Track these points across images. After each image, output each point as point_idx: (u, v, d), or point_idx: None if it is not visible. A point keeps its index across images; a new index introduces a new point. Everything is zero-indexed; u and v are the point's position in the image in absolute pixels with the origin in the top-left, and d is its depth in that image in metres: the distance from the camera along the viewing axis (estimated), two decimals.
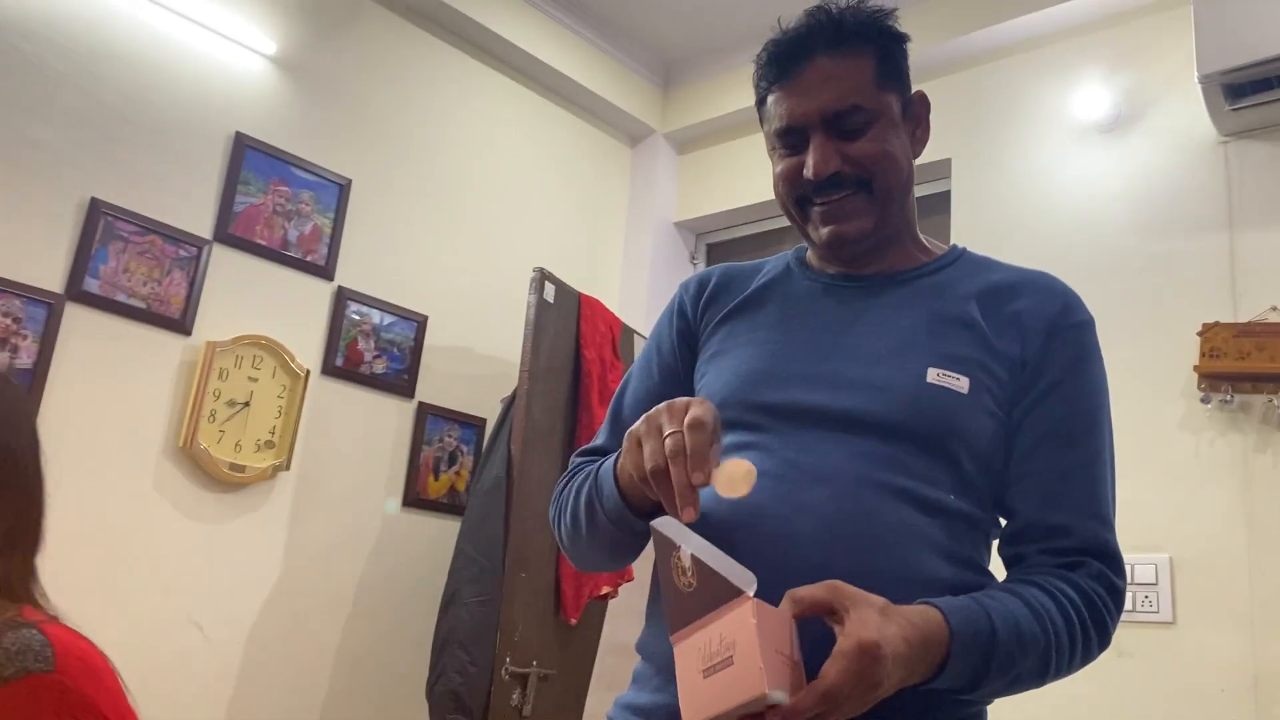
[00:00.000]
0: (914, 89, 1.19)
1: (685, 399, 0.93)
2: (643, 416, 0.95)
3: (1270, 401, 2.35)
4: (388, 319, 2.97)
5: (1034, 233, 2.85)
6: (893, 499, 1.00)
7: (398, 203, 3.07)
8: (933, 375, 1.04)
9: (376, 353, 2.94)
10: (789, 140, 1.13)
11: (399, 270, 3.04)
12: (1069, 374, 1.08)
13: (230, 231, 2.65)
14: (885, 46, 1.13)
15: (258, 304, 2.70)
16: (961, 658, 0.87)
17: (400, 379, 2.99)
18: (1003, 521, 1.10)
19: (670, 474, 0.89)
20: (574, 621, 2.87)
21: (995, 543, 1.11)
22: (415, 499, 2.97)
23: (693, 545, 0.85)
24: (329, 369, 2.82)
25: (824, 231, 1.13)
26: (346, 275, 2.89)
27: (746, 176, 3.55)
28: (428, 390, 3.05)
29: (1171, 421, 2.49)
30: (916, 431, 1.03)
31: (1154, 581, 2.38)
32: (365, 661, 2.81)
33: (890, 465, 1.01)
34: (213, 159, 2.66)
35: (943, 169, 3.12)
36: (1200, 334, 2.43)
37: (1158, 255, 2.64)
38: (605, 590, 2.93)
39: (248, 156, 2.71)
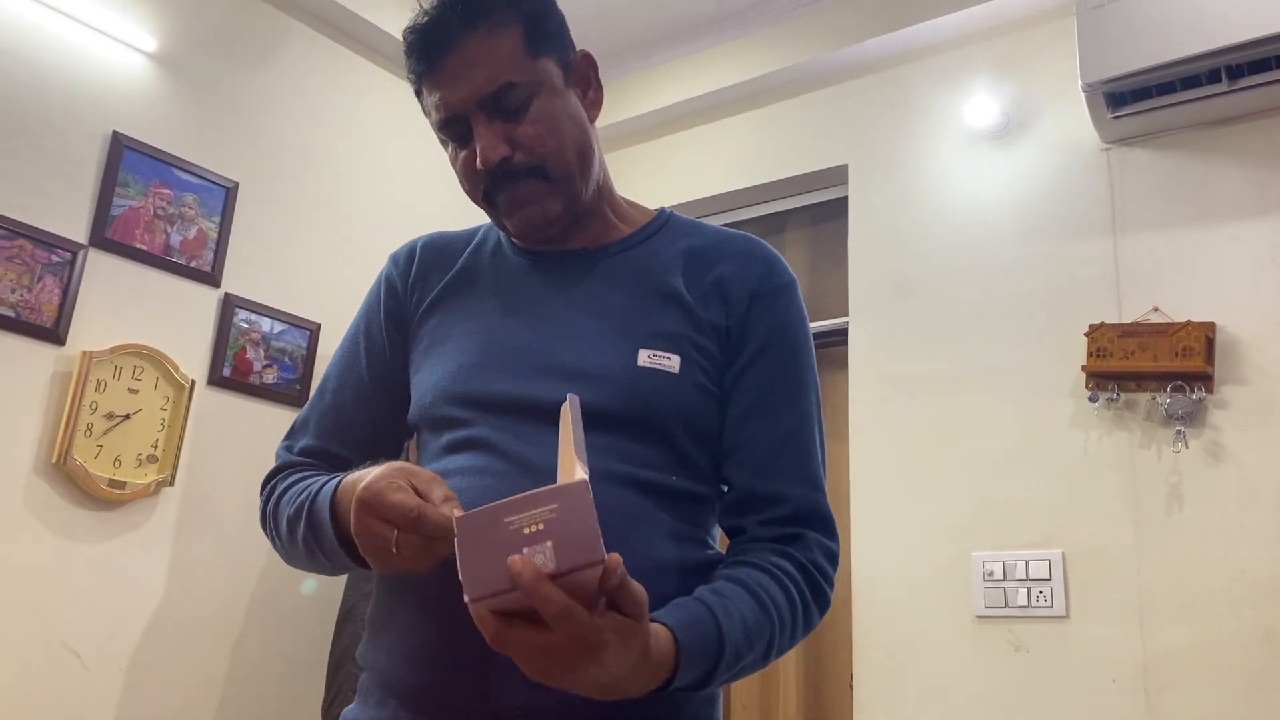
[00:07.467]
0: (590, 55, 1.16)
1: (385, 486, 0.86)
2: (363, 504, 0.86)
3: (1153, 399, 2.42)
4: (278, 327, 2.87)
5: (928, 237, 2.90)
6: (615, 486, 0.97)
7: (287, 206, 2.96)
8: (644, 358, 1.03)
9: (267, 362, 2.83)
10: (453, 131, 1.08)
11: (289, 276, 2.93)
12: (772, 339, 1.08)
13: (107, 236, 2.52)
14: (529, 12, 1.08)
15: (138, 312, 2.57)
16: (689, 668, 0.85)
17: (292, 389, 2.88)
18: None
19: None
20: None
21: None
22: None
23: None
24: (216, 379, 2.71)
25: (512, 221, 1.10)
26: (233, 282, 2.78)
27: (643, 176, 3.54)
28: None
29: (1062, 420, 2.55)
30: (632, 417, 1.01)
31: (1048, 577, 2.43)
32: (257, 684, 2.69)
33: (609, 452, 0.98)
34: (88, 160, 2.53)
35: (840, 175, 3.15)
36: (1087, 335, 2.50)
37: (1046, 258, 2.70)
38: None
39: (126, 157, 2.58)
